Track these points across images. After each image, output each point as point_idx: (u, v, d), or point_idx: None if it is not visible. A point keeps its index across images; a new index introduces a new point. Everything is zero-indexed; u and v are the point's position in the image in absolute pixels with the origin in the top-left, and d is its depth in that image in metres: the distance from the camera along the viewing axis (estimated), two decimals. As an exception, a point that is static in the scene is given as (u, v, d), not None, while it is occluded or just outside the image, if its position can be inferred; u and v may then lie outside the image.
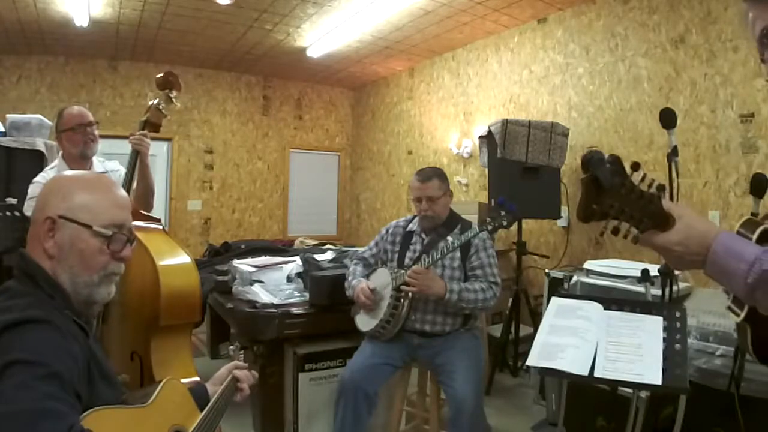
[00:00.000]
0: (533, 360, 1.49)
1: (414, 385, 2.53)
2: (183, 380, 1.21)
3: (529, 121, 3.48)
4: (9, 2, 3.99)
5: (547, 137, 3.48)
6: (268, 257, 3.29)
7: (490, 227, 2.11)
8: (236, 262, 3.00)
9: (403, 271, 2.19)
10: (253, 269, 2.87)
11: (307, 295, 2.70)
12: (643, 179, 0.88)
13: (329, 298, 2.56)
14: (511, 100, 4.56)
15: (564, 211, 3.66)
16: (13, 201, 2.40)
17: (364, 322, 2.30)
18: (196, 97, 6.15)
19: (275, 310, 2.52)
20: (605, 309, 1.56)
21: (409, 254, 2.34)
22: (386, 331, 2.21)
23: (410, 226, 2.44)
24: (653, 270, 2.11)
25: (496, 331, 3.67)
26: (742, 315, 1.02)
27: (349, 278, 2.41)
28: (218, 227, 6.33)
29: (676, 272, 2.20)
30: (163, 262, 1.76)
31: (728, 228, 1.00)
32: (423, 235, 2.37)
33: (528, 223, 3.95)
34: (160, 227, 1.98)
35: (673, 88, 3.28)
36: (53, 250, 1.00)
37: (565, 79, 4.04)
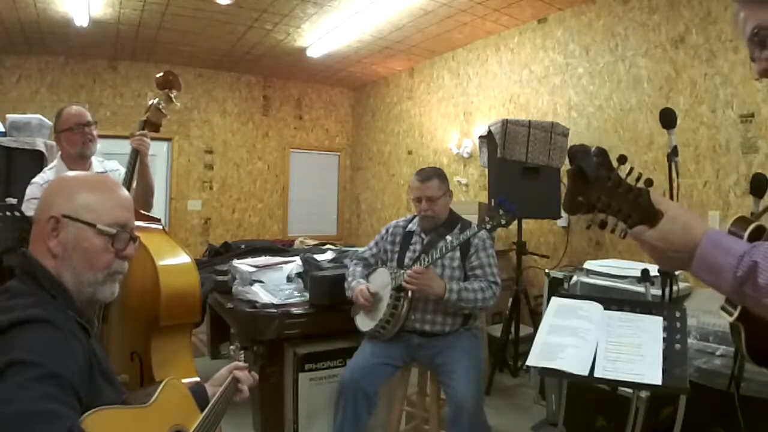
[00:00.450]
0: (533, 360, 1.49)
1: (414, 385, 2.53)
2: (183, 380, 1.21)
3: (529, 121, 3.48)
4: (9, 2, 3.99)
5: (547, 137, 3.48)
6: (268, 257, 3.29)
7: (488, 226, 2.11)
8: (236, 262, 3.00)
9: (402, 271, 2.19)
10: (253, 269, 2.87)
11: (307, 295, 2.70)
12: (630, 173, 0.87)
13: (329, 298, 2.56)
14: (511, 100, 4.56)
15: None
16: (13, 201, 2.39)
17: (364, 322, 2.30)
18: (196, 97, 6.16)
19: (275, 310, 2.52)
20: (605, 309, 1.56)
21: (408, 254, 2.34)
22: (386, 331, 2.21)
23: (410, 226, 2.44)
24: (653, 270, 2.11)
25: (496, 331, 3.67)
26: (735, 315, 1.02)
27: (349, 279, 2.41)
28: (218, 227, 6.33)
29: (676, 272, 2.20)
30: (163, 262, 1.76)
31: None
32: (423, 235, 2.37)
33: (528, 223, 3.95)
34: (160, 227, 1.98)
35: (673, 88, 3.28)
36: (57, 249, 1.00)
37: (565, 79, 4.05)
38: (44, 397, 0.80)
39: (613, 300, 1.63)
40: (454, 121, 5.27)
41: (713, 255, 0.80)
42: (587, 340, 1.48)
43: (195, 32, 4.84)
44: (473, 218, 2.51)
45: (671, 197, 2.10)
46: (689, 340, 2.08)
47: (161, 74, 2.17)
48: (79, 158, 2.25)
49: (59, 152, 2.34)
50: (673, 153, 2.03)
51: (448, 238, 2.16)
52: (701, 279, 0.84)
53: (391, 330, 2.20)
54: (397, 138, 6.19)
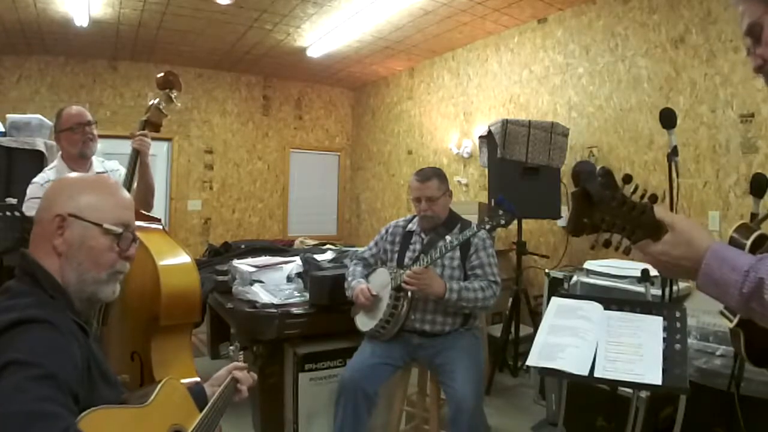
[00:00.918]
0: (533, 360, 1.49)
1: (414, 385, 2.53)
2: (183, 380, 1.21)
3: (529, 121, 3.48)
4: (9, 2, 3.99)
5: (547, 137, 3.48)
6: (268, 257, 3.29)
7: (488, 226, 2.11)
8: (236, 262, 3.00)
9: (402, 270, 2.19)
10: (253, 269, 2.87)
11: (307, 295, 2.70)
12: (635, 191, 0.87)
13: (329, 298, 2.56)
14: (511, 100, 4.56)
15: (564, 211, 3.65)
16: (13, 201, 2.39)
17: (364, 322, 2.30)
18: (196, 97, 6.15)
19: (275, 310, 2.52)
20: (605, 309, 1.56)
21: (408, 254, 2.34)
22: (386, 331, 2.21)
23: (410, 226, 2.44)
24: (653, 270, 2.11)
25: (496, 331, 3.67)
26: (735, 320, 1.02)
27: (349, 278, 2.41)
28: (218, 227, 6.33)
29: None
30: (163, 262, 1.76)
31: (727, 228, 1.00)
32: (422, 235, 2.37)
33: (528, 223, 3.95)
34: (161, 227, 1.98)
35: (673, 88, 3.28)
36: (62, 248, 1.00)
37: (565, 79, 4.04)
38: (41, 397, 0.80)
39: (613, 300, 1.62)
40: (454, 121, 5.27)
41: (718, 271, 0.80)
42: (587, 340, 1.48)
43: (195, 32, 4.84)
44: (473, 218, 2.51)
45: (671, 197, 2.10)
46: (689, 340, 2.08)
47: (162, 74, 2.17)
48: (79, 158, 2.26)
49: (59, 152, 2.34)
50: (673, 153, 2.04)
51: (448, 238, 2.16)
52: (708, 294, 0.83)
53: (391, 330, 2.20)
54: (397, 138, 6.19)
